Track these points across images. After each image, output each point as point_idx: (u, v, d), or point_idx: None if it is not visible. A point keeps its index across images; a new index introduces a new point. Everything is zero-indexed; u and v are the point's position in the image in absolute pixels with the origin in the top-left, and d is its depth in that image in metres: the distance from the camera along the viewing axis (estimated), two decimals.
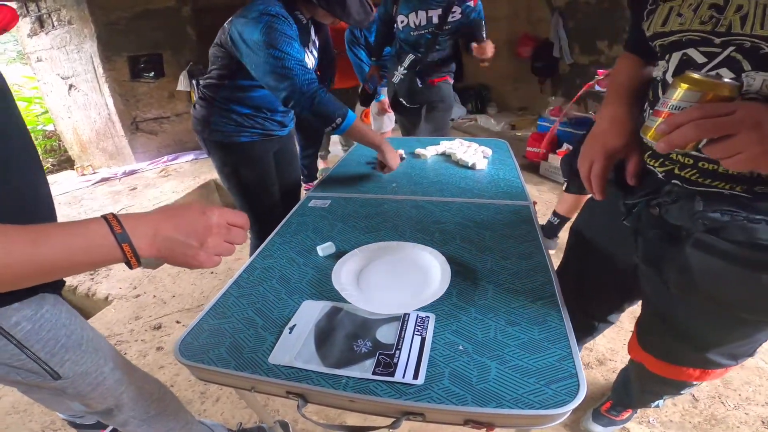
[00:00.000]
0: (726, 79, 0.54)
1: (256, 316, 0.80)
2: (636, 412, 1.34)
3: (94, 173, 4.09)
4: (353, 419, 1.37)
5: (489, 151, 1.67)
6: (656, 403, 1.10)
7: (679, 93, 0.55)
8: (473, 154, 1.65)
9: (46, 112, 4.93)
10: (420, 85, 2.24)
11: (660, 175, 0.69)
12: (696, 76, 0.54)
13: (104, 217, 0.52)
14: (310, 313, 0.79)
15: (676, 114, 0.53)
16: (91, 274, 2.34)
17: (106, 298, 2.15)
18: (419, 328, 0.73)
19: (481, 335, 0.72)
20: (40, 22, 3.97)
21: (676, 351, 0.85)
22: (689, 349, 0.81)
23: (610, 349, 1.66)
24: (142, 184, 3.62)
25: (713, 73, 0.58)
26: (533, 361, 0.66)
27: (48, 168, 4.74)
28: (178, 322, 1.93)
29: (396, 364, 0.66)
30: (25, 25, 4.04)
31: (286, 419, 1.38)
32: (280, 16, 1.22)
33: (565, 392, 0.61)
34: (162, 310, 2.02)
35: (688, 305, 0.75)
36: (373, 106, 3.10)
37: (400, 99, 2.39)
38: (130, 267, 0.52)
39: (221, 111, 1.46)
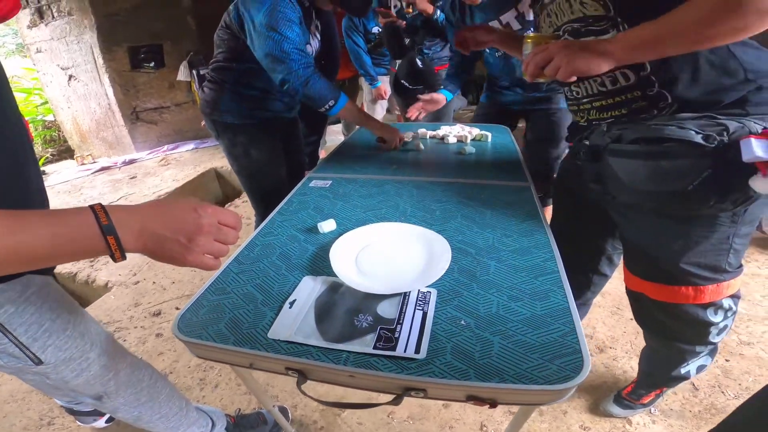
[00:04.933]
0: (547, 33, 0.92)
1: (256, 291, 0.78)
2: (662, 396, 1.33)
3: (94, 162, 4.08)
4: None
5: (476, 131, 1.71)
6: (686, 369, 1.08)
7: (527, 46, 0.90)
8: (460, 131, 1.74)
9: (46, 102, 4.91)
10: (421, 66, 2.23)
11: (582, 123, 0.97)
12: (528, 35, 0.91)
13: (91, 207, 0.49)
14: (311, 288, 0.77)
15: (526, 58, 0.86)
16: (91, 262, 2.33)
17: (106, 284, 2.14)
18: (420, 303, 0.72)
19: (483, 310, 0.70)
20: (40, 13, 3.94)
21: (656, 269, 0.92)
22: (662, 264, 0.89)
23: (611, 336, 1.66)
24: (142, 172, 3.61)
25: (534, 32, 0.95)
26: (536, 336, 0.65)
27: (47, 158, 4.73)
28: (177, 308, 1.93)
29: (397, 339, 0.65)
30: (24, 16, 4.01)
31: (285, 405, 1.38)
32: None
33: (569, 368, 0.59)
34: (161, 297, 2.01)
35: (636, 219, 0.90)
36: (368, 92, 3.09)
37: (402, 81, 2.37)
38: (114, 260, 0.50)
39: (230, 93, 1.46)
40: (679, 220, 0.83)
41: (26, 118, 4.46)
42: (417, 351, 0.63)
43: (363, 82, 3.15)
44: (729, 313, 0.92)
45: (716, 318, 0.92)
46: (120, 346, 0.92)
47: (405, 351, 0.63)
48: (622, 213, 0.94)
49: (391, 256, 0.86)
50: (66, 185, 3.57)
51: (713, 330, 0.94)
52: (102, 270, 2.26)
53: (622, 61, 0.74)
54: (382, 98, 3.08)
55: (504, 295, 0.73)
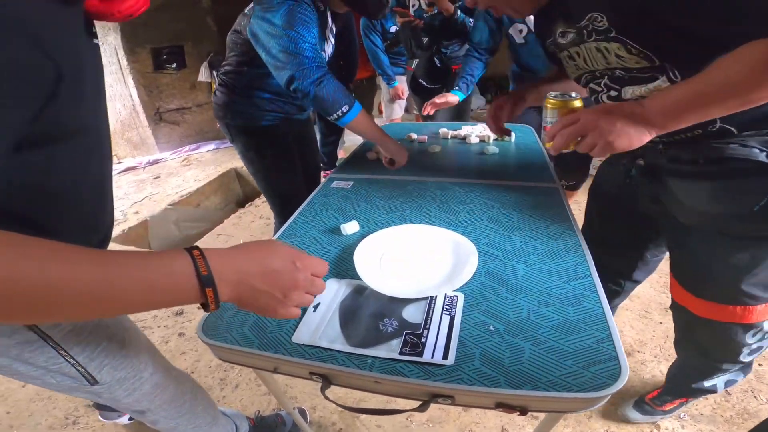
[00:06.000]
0: (572, 94, 0.83)
1: None
2: (686, 405, 1.28)
3: (119, 163, 4.16)
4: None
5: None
6: (712, 382, 1.05)
7: (547, 112, 0.84)
8: (482, 130, 1.70)
9: None
10: (438, 65, 2.21)
11: None
12: (552, 98, 0.83)
13: (189, 252, 0.45)
14: (335, 291, 0.76)
15: (550, 127, 0.78)
16: None
17: None
18: (447, 307, 0.70)
19: (512, 315, 0.68)
20: None
21: (711, 288, 0.86)
22: (720, 283, 0.84)
23: (639, 340, 1.60)
24: (165, 172, 3.67)
25: (559, 95, 0.84)
26: (569, 342, 0.62)
27: None
28: (199, 308, 1.94)
29: (424, 344, 0.63)
30: None
31: (303, 407, 1.37)
32: (302, 2, 1.20)
33: (605, 375, 0.57)
34: None
35: (695, 238, 0.84)
36: (386, 92, 3.08)
37: (420, 80, 2.36)
38: (207, 310, 0.48)
39: (242, 97, 1.45)
40: (744, 241, 0.77)
41: None
42: (445, 357, 0.61)
43: (381, 82, 3.14)
44: (766, 336, 0.89)
45: (752, 339, 0.88)
46: (165, 360, 0.91)
47: (432, 357, 0.61)
48: (680, 232, 0.87)
49: (416, 259, 0.85)
50: None
51: (745, 350, 0.91)
52: None
53: (665, 130, 0.67)
54: (400, 98, 3.06)
55: (534, 300, 0.71)
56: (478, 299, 0.72)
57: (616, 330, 0.64)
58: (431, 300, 0.72)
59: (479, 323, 0.67)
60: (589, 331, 0.64)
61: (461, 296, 0.73)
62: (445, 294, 0.73)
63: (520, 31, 1.85)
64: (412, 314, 0.69)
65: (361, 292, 0.75)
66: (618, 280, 1.18)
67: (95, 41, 0.60)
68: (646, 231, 1.03)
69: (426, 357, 0.61)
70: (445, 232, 0.91)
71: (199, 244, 2.53)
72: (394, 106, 3.14)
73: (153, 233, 2.84)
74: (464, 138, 1.69)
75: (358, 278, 0.78)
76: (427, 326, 0.66)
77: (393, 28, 2.73)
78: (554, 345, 0.62)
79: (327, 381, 0.65)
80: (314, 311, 0.71)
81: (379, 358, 0.62)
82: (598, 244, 0.92)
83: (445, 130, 1.76)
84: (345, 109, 1.24)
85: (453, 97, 1.93)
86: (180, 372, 0.95)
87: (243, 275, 0.48)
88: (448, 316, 0.68)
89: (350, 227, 0.96)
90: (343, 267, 0.84)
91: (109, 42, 3.91)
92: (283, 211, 1.67)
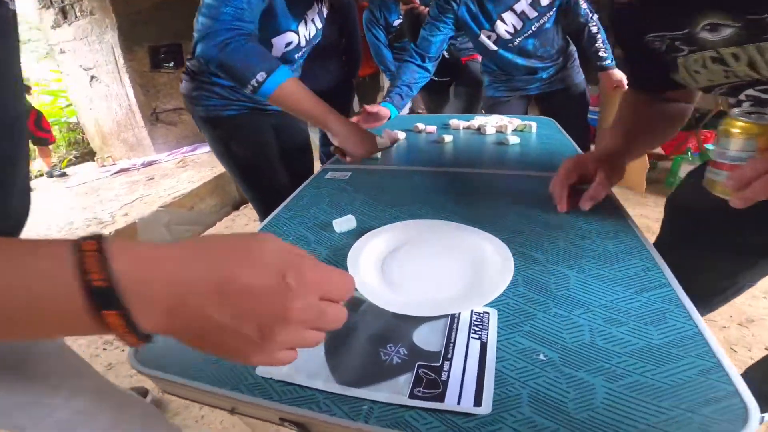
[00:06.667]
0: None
1: None
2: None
3: (114, 164, 4.02)
4: None
5: (517, 122, 1.48)
6: None
7: (736, 142, 0.53)
8: (499, 121, 1.52)
9: (71, 104, 4.92)
10: (447, 56, 2.04)
11: None
12: (744, 122, 0.52)
13: (77, 245, 0.26)
14: None
15: (741, 167, 0.50)
16: None
17: None
18: (476, 329, 0.50)
19: (570, 339, 0.48)
20: (63, 13, 3.93)
21: None
22: None
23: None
24: (160, 174, 3.51)
25: (754, 114, 0.53)
26: (662, 376, 0.42)
27: (70, 160, 4.72)
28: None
29: (445, 383, 0.44)
30: (49, 16, 4.00)
31: None
32: None
33: (725, 418, 0.38)
34: None
35: None
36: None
37: None
38: (128, 344, 0.29)
39: (204, 84, 1.25)
40: None
41: (50, 120, 4.47)
42: (477, 402, 0.41)
43: (384, 80, 2.97)
44: None
45: None
46: (101, 380, 0.74)
47: (459, 402, 0.41)
48: None
49: (429, 262, 0.65)
50: (84, 187, 3.50)
51: None
52: None
53: None
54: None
55: (598, 318, 0.51)
56: (518, 317, 0.53)
57: (724, 356, 0.44)
58: (453, 319, 0.52)
59: (523, 351, 0.48)
60: (687, 358, 0.44)
61: (494, 313, 0.53)
62: (472, 310, 0.53)
63: (489, 38, 1.69)
64: (426, 339, 0.50)
65: (355, 307, 0.55)
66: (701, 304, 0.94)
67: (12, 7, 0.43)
68: (746, 257, 0.80)
69: (450, 403, 0.41)
70: (464, 228, 0.72)
71: None
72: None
73: (142, 236, 2.66)
74: (478, 129, 1.51)
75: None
76: (449, 356, 0.47)
77: (397, 22, 2.58)
78: (639, 380, 0.42)
79: (305, 430, 0.46)
80: None
81: (380, 402, 0.43)
82: (675, 264, 0.71)
83: (456, 120, 1.58)
84: (261, 76, 0.94)
85: (385, 111, 1.57)
86: (125, 395, 0.77)
87: (187, 293, 0.28)
88: (478, 341, 0.48)
89: (344, 223, 0.76)
90: None
91: (106, 40, 3.78)
92: (266, 212, 1.46)
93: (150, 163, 3.83)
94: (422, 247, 0.68)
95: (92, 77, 4.06)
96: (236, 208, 3.13)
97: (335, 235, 0.76)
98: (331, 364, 0.47)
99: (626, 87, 1.65)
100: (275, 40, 1.14)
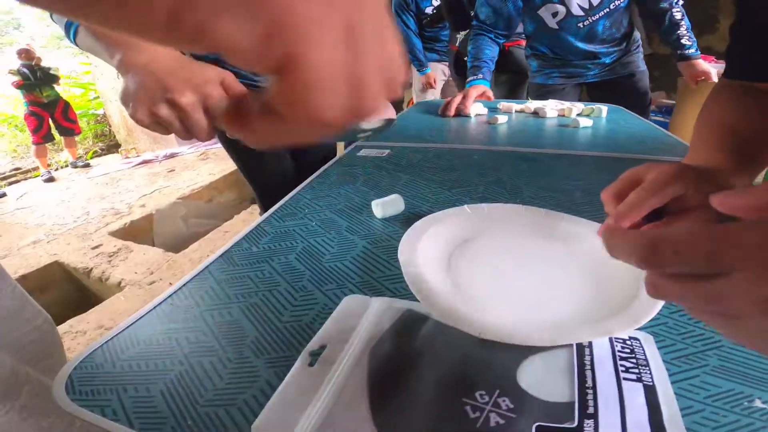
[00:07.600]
0: None
1: (246, 322, 0.39)
2: None
3: (137, 156, 3.95)
4: None
5: (580, 105, 1.26)
6: None
7: None
8: (558, 104, 1.29)
9: (98, 97, 4.91)
10: None
11: None
12: None
13: None
14: (360, 321, 0.36)
15: None
16: (110, 257, 2.07)
17: (119, 283, 1.85)
18: (627, 363, 0.29)
19: None
20: None
21: None
22: None
23: None
24: (181, 166, 3.42)
25: None
26: None
27: (96, 151, 4.69)
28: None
29: None
30: None
31: None
32: None
33: None
34: None
35: None
36: (417, 81, 2.73)
37: (466, 58, 1.99)
38: None
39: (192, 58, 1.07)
40: None
41: (78, 112, 4.45)
42: None
43: (412, 69, 2.77)
44: None
45: None
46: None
47: None
48: None
49: (521, 263, 0.44)
50: (105, 178, 3.44)
51: None
52: (119, 266, 1.99)
53: None
54: (432, 87, 2.68)
55: None
56: (691, 344, 0.31)
57: None
58: (581, 350, 0.31)
59: (723, 396, 0.26)
60: None
61: (648, 339, 0.32)
62: (611, 337, 0.32)
63: (554, 14, 1.44)
64: (540, 382, 0.28)
65: (416, 326, 0.35)
66: None
67: None
68: None
69: None
70: (564, 217, 0.50)
71: (205, 240, 2.20)
72: (426, 96, 2.76)
73: (158, 228, 2.54)
74: (534, 113, 1.29)
75: (409, 297, 0.38)
76: (589, 410, 0.26)
77: (429, 9, 2.39)
78: None
79: None
80: (312, 365, 0.32)
81: None
82: None
83: (506, 103, 1.36)
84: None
85: (489, 90, 1.46)
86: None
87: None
88: (638, 384, 0.27)
89: (388, 205, 0.56)
90: (375, 275, 0.44)
91: None
92: (268, 203, 1.26)
93: (172, 155, 3.74)
94: (507, 241, 0.47)
95: None
96: (254, 202, 2.99)
97: (375, 220, 0.55)
98: (379, 419, 0.26)
99: (714, 80, 1.41)
100: None
